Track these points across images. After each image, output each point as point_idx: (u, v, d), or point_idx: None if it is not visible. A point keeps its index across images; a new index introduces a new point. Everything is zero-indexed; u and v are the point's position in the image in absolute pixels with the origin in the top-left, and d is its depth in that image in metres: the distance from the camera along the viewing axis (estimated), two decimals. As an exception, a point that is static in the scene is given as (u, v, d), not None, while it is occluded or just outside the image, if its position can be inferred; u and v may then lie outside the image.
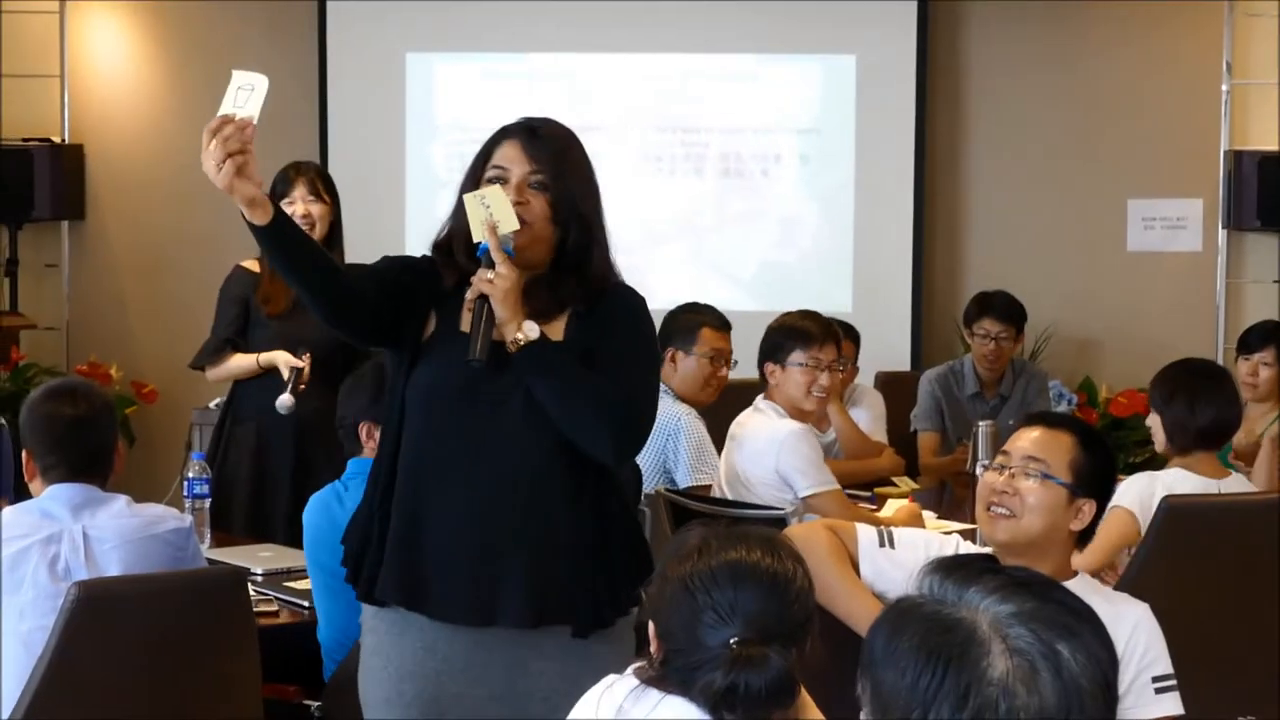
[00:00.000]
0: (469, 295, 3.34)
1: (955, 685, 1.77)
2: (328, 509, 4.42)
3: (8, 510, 4.07)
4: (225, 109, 3.27)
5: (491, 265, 3.31)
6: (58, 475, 4.07)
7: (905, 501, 5.87)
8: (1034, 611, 1.79)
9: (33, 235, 9.09)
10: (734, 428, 5.73)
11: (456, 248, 3.43)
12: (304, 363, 5.68)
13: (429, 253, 3.54)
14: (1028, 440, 3.58)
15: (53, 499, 4.05)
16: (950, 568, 1.87)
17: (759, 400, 5.74)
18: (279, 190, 5.77)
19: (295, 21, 9.07)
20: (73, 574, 3.94)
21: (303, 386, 5.64)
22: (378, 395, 4.28)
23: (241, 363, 5.87)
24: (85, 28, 9.14)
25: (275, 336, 5.83)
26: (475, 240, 3.34)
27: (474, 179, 3.46)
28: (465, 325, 3.38)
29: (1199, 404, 5.12)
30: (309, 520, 4.46)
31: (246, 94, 3.27)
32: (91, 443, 4.11)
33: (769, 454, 5.50)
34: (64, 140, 9.03)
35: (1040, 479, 3.52)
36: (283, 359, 5.73)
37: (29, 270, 9.06)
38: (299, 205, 5.79)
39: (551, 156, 3.46)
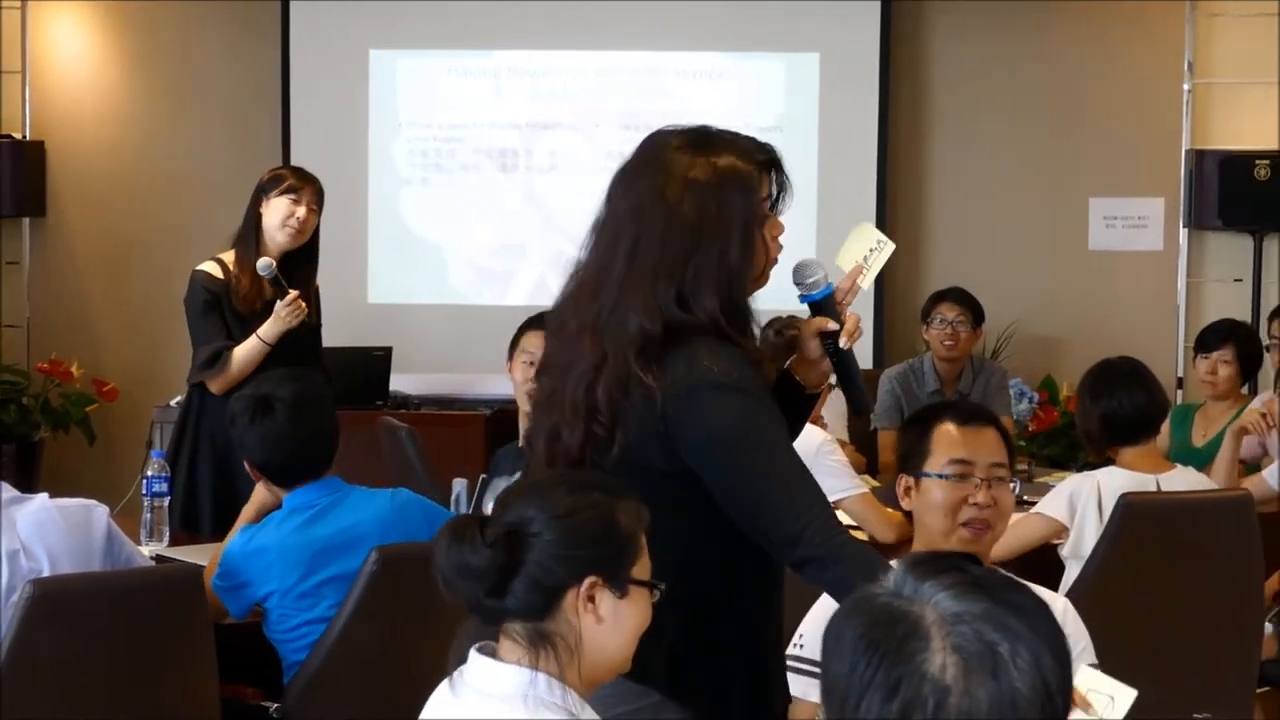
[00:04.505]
0: (818, 351, 3.10)
1: (887, 677, 1.76)
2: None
3: None
4: (846, 257, 3.17)
5: (830, 313, 3.09)
6: None
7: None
8: (984, 612, 1.78)
9: (-7, 232, 9.07)
10: None
11: None
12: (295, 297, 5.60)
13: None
14: (987, 446, 3.51)
15: None
16: (918, 563, 1.85)
17: None
18: (289, 185, 5.70)
19: (258, 18, 9.04)
20: (16, 568, 3.89)
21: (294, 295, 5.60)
22: None
23: (247, 354, 5.62)
24: (47, 24, 9.11)
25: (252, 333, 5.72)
26: (846, 263, 3.12)
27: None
28: None
29: (1124, 395, 5.17)
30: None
31: (877, 253, 3.20)
32: None
33: None
34: (25, 136, 9.00)
35: (1009, 483, 3.52)
36: (280, 316, 5.60)
37: (-10, 267, 9.03)
38: (303, 209, 5.68)
39: None
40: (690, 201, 2.92)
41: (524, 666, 2.52)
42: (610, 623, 2.55)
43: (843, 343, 3.08)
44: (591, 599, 2.54)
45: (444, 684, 2.57)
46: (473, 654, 2.56)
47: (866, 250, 3.17)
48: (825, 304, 3.09)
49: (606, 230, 3.00)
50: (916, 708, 1.74)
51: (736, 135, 3.01)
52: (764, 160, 3.00)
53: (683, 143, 2.98)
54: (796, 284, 3.09)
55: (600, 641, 2.55)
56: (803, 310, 3.17)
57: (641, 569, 2.60)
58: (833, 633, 1.83)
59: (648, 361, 2.89)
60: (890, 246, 3.17)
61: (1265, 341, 7.07)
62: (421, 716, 2.58)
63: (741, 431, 2.87)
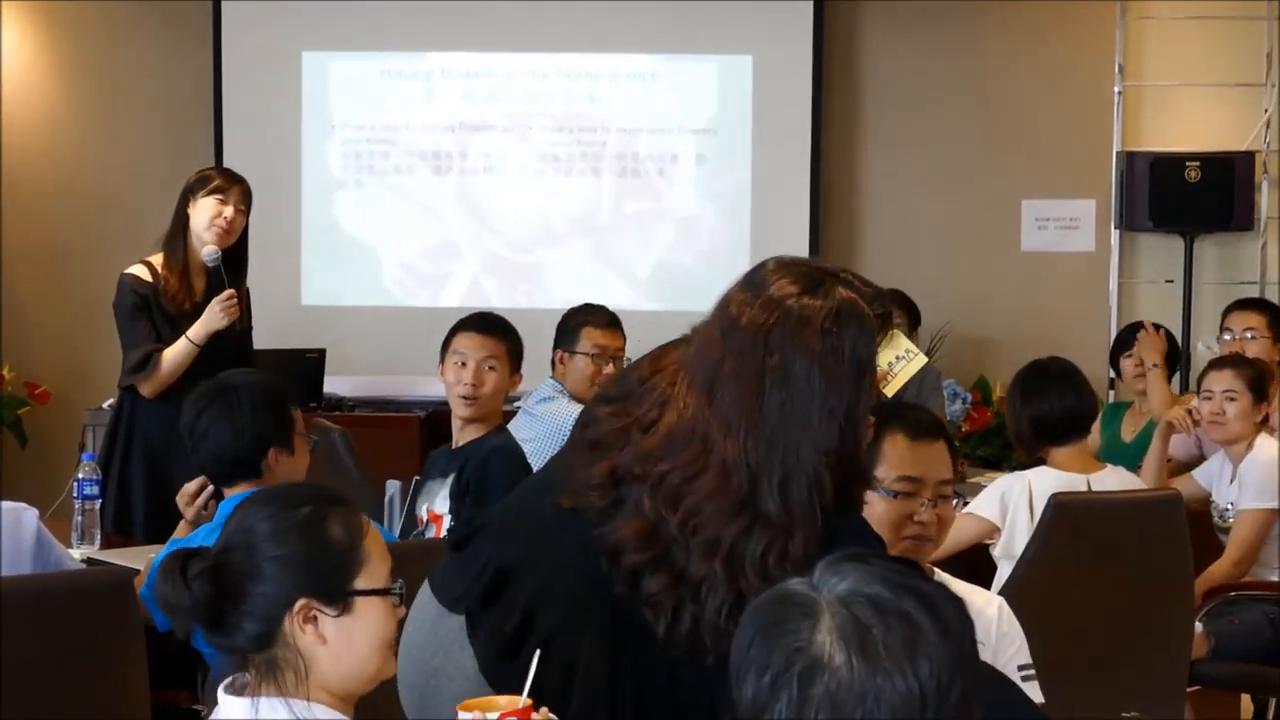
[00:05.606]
0: None
1: (762, 652, 1.78)
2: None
3: None
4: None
5: None
6: None
7: None
8: (872, 597, 1.78)
9: (-78, 234, 8.99)
10: None
11: None
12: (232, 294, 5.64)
13: None
14: (937, 463, 3.39)
15: None
16: (838, 558, 1.86)
17: None
18: (216, 185, 5.71)
19: (190, 20, 8.99)
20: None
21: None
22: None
23: (176, 355, 5.66)
24: (-25, 25, 9.05)
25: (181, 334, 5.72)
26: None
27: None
28: None
29: (1054, 397, 5.20)
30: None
31: (904, 362, 3.16)
32: None
33: None
34: (-46, 138, 8.93)
35: (953, 500, 3.51)
36: (214, 311, 5.63)
37: (-82, 270, 8.95)
38: (230, 209, 5.69)
39: None
40: (826, 349, 2.65)
41: (251, 697, 2.40)
42: (336, 641, 2.41)
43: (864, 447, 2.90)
44: (313, 619, 2.41)
45: None
46: (219, 691, 2.43)
47: (893, 357, 3.14)
48: None
49: (732, 383, 2.68)
50: (785, 682, 1.75)
51: (853, 278, 2.76)
52: (881, 314, 2.75)
53: (803, 287, 2.70)
54: None
55: (329, 663, 2.41)
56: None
57: (370, 577, 2.45)
58: (743, 619, 1.85)
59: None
60: (921, 359, 3.15)
61: (1217, 335, 7.08)
62: None
63: None
